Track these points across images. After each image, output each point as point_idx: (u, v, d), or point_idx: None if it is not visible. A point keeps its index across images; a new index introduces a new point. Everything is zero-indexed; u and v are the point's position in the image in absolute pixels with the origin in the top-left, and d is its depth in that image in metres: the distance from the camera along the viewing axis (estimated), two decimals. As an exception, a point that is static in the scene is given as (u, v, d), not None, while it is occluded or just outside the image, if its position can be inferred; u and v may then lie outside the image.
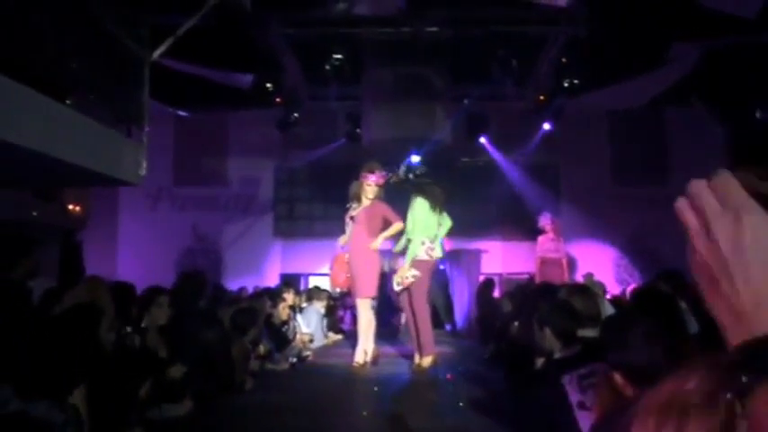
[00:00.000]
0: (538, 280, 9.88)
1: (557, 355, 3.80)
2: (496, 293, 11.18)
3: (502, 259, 11.55)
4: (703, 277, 0.60)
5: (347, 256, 6.24)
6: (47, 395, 2.45)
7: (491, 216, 11.36)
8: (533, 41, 9.08)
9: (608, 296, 6.61)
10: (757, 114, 10.10)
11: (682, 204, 0.63)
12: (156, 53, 5.72)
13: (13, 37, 4.00)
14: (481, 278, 10.33)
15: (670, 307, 3.19)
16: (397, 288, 5.91)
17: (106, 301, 3.46)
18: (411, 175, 6.27)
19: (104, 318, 3.31)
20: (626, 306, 4.42)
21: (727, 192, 0.59)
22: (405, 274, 5.75)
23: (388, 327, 8.92)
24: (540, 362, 4.05)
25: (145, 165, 5.43)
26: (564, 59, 9.02)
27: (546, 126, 10.81)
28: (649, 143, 11.71)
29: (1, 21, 3.89)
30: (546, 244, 10.01)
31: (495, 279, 11.67)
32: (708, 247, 0.59)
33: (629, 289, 8.25)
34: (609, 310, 5.34)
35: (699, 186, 0.61)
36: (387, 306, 8.89)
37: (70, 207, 5.90)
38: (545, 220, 10.01)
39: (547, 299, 5.52)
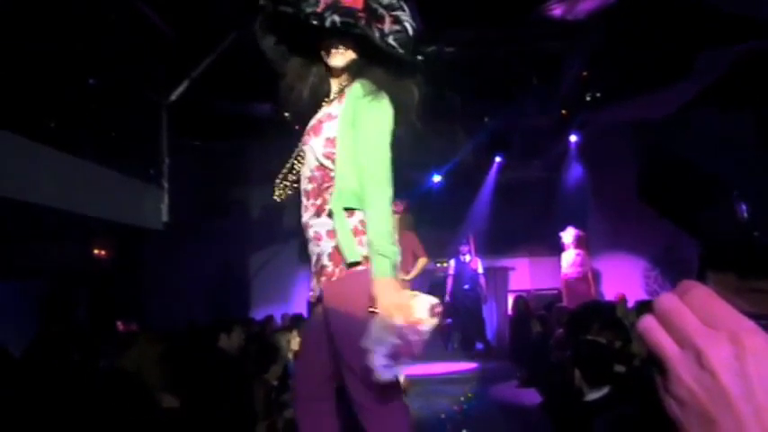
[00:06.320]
0: (565, 297, 9.71)
1: (586, 398, 3.68)
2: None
3: (530, 276, 11.38)
4: (692, 417, 0.45)
5: None
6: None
7: (518, 233, 11.20)
8: (553, 57, 8.91)
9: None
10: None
11: (649, 324, 0.48)
12: (173, 95, 5.73)
13: (26, 95, 4.01)
14: (511, 296, 10.19)
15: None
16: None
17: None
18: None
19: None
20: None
21: (712, 309, 0.45)
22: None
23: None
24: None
25: (167, 209, 5.43)
26: (585, 73, 8.84)
27: (571, 139, 10.63)
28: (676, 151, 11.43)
29: (14, 80, 3.91)
30: (570, 260, 9.85)
31: (524, 296, 11.53)
32: (700, 379, 0.44)
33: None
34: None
35: (672, 303, 0.47)
36: None
37: (96, 252, 5.90)
38: (568, 236, 9.85)
39: (577, 331, 5.40)
